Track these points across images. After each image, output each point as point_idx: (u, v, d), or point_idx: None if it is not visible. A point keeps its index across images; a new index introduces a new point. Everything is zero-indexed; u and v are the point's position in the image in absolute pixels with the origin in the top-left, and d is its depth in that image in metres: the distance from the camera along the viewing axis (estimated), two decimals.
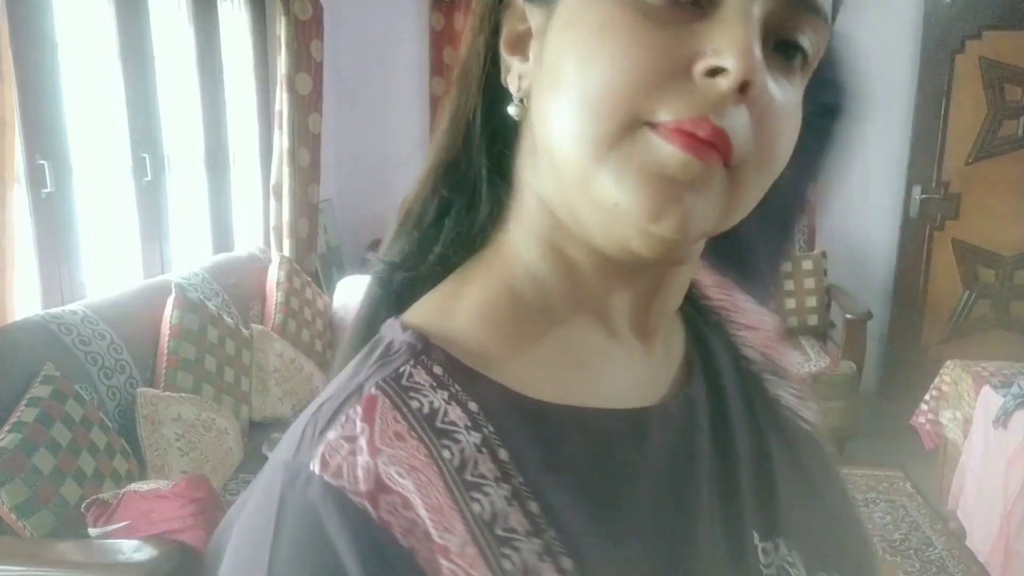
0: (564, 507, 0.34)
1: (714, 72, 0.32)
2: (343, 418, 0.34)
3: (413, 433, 0.34)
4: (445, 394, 0.35)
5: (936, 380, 2.70)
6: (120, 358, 2.02)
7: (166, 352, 2.14)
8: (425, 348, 0.37)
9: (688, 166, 0.32)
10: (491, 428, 0.35)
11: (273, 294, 2.79)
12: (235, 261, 2.81)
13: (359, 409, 0.34)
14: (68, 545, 1.53)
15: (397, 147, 3.66)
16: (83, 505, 1.59)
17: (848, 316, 3.11)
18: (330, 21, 3.34)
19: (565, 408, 0.37)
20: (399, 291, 0.43)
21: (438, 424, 0.34)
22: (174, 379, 2.11)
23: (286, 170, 3.11)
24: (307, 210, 3.23)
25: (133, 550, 1.47)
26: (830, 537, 0.44)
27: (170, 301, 2.21)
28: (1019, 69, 3.41)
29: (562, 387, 0.38)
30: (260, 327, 2.57)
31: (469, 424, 0.35)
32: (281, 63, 3.06)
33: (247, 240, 3.14)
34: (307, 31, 3.12)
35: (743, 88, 0.32)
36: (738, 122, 0.32)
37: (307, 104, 3.16)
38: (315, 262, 3.36)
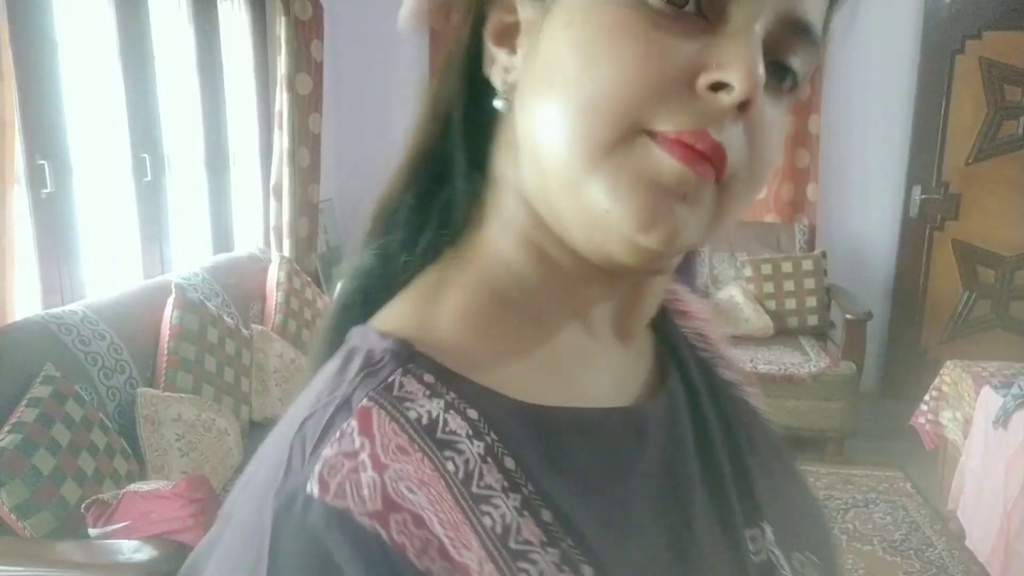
0: (577, 512, 0.33)
1: (718, 87, 0.32)
2: (337, 433, 0.31)
3: (415, 445, 0.31)
4: (441, 403, 0.33)
5: (936, 380, 2.70)
6: (120, 358, 2.02)
7: (166, 352, 2.14)
8: (411, 355, 0.34)
9: (684, 178, 0.32)
10: (494, 436, 0.33)
11: (273, 294, 2.79)
12: (235, 261, 2.81)
13: (354, 423, 0.31)
14: (68, 545, 1.53)
15: (397, 147, 3.65)
16: (83, 505, 1.59)
17: (848, 316, 3.11)
18: (330, 21, 3.34)
19: (564, 410, 0.37)
20: (371, 295, 0.41)
21: (439, 435, 0.32)
22: (174, 379, 2.11)
23: (286, 170, 3.11)
24: (307, 210, 3.23)
25: (133, 550, 1.47)
26: (797, 518, 0.45)
27: (170, 301, 2.21)
28: (1019, 69, 3.41)
29: (551, 389, 0.37)
30: (260, 327, 2.57)
31: (471, 433, 0.33)
32: (281, 63, 3.06)
33: (247, 240, 3.14)
34: (307, 31, 3.12)
35: (743, 106, 0.32)
36: (734, 138, 0.33)
37: (307, 104, 3.16)
38: (315, 262, 3.36)
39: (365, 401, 0.32)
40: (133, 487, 1.64)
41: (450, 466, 0.31)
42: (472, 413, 0.33)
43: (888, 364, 3.75)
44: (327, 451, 0.30)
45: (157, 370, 2.13)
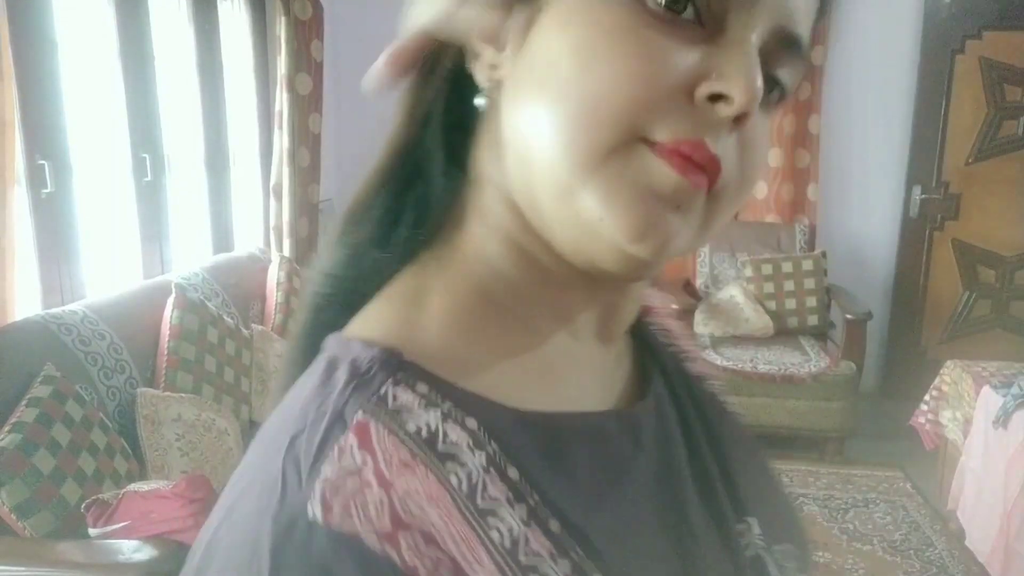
0: (583, 520, 0.33)
1: (716, 98, 0.31)
2: (335, 450, 0.29)
3: (418, 459, 0.30)
4: (438, 413, 0.31)
5: (936, 380, 2.70)
6: (120, 358, 2.02)
7: (166, 352, 2.14)
8: (400, 364, 0.32)
9: (679, 188, 0.32)
10: (495, 445, 0.32)
11: (273, 294, 2.79)
12: (235, 261, 2.81)
13: (352, 438, 0.29)
14: (68, 545, 1.53)
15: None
16: (83, 505, 1.59)
17: (848, 316, 3.11)
18: (330, 21, 3.34)
19: (561, 416, 0.36)
20: (344, 298, 0.39)
21: (439, 447, 0.31)
22: (174, 379, 2.11)
23: (286, 170, 3.11)
24: (307, 210, 3.23)
25: (133, 550, 1.47)
26: (774, 509, 0.45)
27: (170, 301, 2.21)
28: (1019, 69, 3.41)
29: (542, 394, 0.37)
30: (260, 327, 2.57)
31: (472, 443, 0.31)
32: (281, 63, 3.06)
33: (247, 240, 3.14)
34: (307, 31, 3.12)
35: (740, 118, 0.32)
36: (728, 150, 0.33)
37: (307, 104, 3.16)
38: None
39: (360, 414, 0.30)
40: (133, 487, 1.64)
41: (453, 479, 0.30)
42: (471, 423, 0.32)
43: (888, 364, 3.75)
44: (327, 470, 0.28)
45: (157, 370, 2.13)
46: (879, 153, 3.63)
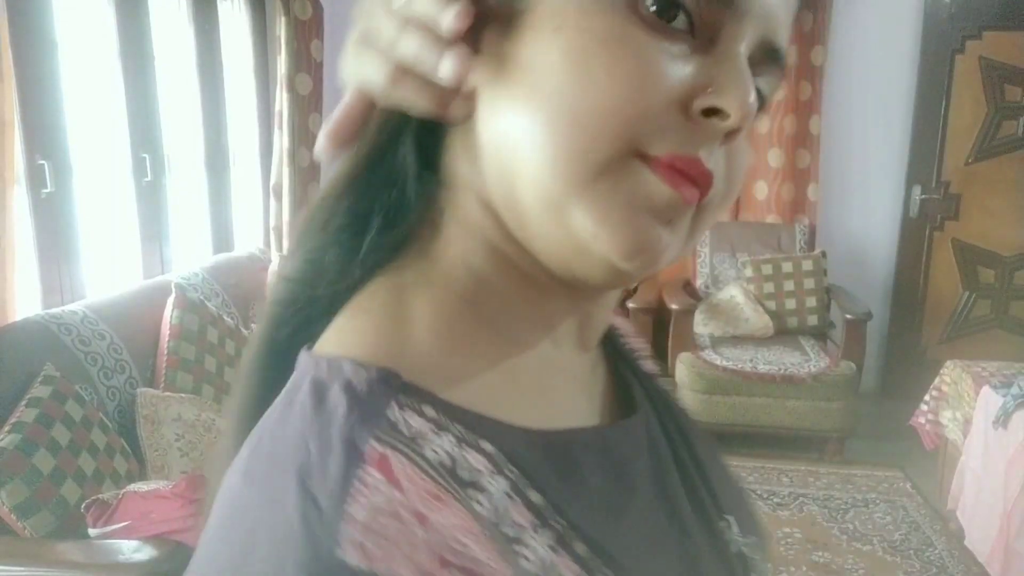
0: (606, 539, 0.32)
1: (712, 112, 0.31)
2: (358, 487, 0.26)
3: (443, 490, 0.27)
4: (451, 438, 0.29)
5: (936, 380, 2.70)
6: (120, 358, 2.02)
7: (166, 352, 2.14)
8: (402, 386, 0.30)
9: (673, 204, 0.32)
10: (514, 469, 0.30)
11: None
12: (235, 261, 2.81)
13: (375, 472, 0.27)
14: (68, 545, 1.53)
15: None
16: (83, 505, 1.59)
17: (848, 316, 3.11)
18: (330, 21, 3.34)
19: (568, 432, 0.35)
20: (304, 312, 0.36)
21: (461, 475, 0.28)
22: (174, 379, 2.11)
23: (286, 170, 3.11)
24: None
25: (133, 550, 1.47)
26: (740, 502, 0.45)
27: (170, 301, 2.21)
28: (1019, 69, 3.41)
29: (540, 408, 0.35)
30: None
31: (492, 469, 0.29)
32: (281, 63, 3.06)
33: (247, 240, 3.14)
34: (307, 31, 3.12)
35: (732, 132, 0.32)
36: (719, 164, 0.33)
37: (307, 104, 3.16)
38: None
39: (376, 444, 0.27)
40: (133, 487, 1.64)
41: (478, 508, 0.28)
42: (486, 446, 0.30)
43: (888, 364, 3.75)
44: (355, 510, 0.26)
45: (157, 370, 2.13)
46: (879, 153, 3.63)
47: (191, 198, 2.81)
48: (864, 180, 3.67)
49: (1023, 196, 3.51)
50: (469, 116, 0.34)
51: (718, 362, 3.05)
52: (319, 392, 0.30)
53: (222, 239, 2.99)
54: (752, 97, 0.31)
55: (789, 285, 3.33)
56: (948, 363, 2.69)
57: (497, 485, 0.29)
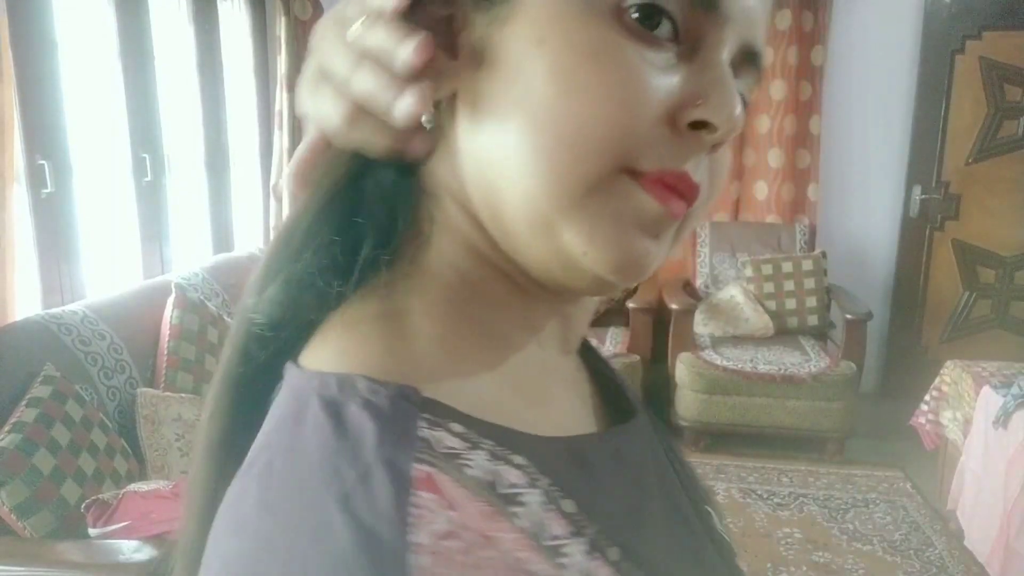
0: (639, 542, 0.32)
1: (700, 125, 0.31)
2: (415, 512, 0.25)
3: (491, 507, 0.27)
4: (484, 454, 0.29)
5: (936, 380, 2.70)
6: (120, 358, 2.02)
7: (166, 352, 2.14)
8: (424, 403, 0.29)
9: (662, 219, 0.32)
10: (546, 480, 0.30)
11: None
12: (235, 261, 2.81)
13: (427, 496, 0.26)
14: (68, 545, 1.53)
15: None
16: (83, 505, 1.59)
17: (848, 316, 3.11)
18: None
19: (582, 439, 0.35)
20: (289, 333, 0.33)
21: (500, 491, 0.28)
22: (174, 379, 2.11)
23: (286, 170, 3.11)
24: None
25: (133, 550, 1.47)
26: (706, 490, 0.46)
27: (170, 301, 2.21)
28: (1019, 69, 3.41)
29: (544, 415, 0.35)
30: None
31: (526, 482, 0.29)
32: (281, 63, 3.06)
33: (247, 240, 3.14)
34: (307, 31, 3.12)
35: (718, 144, 0.32)
36: (704, 176, 0.33)
37: None
38: None
39: (420, 466, 0.26)
40: (133, 487, 1.64)
41: (519, 523, 0.27)
42: (518, 459, 0.29)
43: (888, 364, 3.75)
44: (420, 538, 0.25)
45: (157, 370, 2.13)
46: (879, 153, 3.63)
47: (191, 198, 2.81)
48: (864, 180, 3.67)
49: (1023, 196, 3.51)
50: (432, 153, 0.33)
51: (718, 362, 3.05)
52: (334, 412, 0.28)
53: (222, 239, 2.99)
54: (739, 109, 0.31)
55: (789, 285, 3.33)
56: (948, 363, 2.69)
57: (533, 497, 0.29)
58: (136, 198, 2.46)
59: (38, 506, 1.56)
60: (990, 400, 2.30)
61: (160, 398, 2.02)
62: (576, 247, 0.31)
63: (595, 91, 0.29)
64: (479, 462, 0.28)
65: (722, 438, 3.17)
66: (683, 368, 3.05)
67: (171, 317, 2.18)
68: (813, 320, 3.35)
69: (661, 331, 3.21)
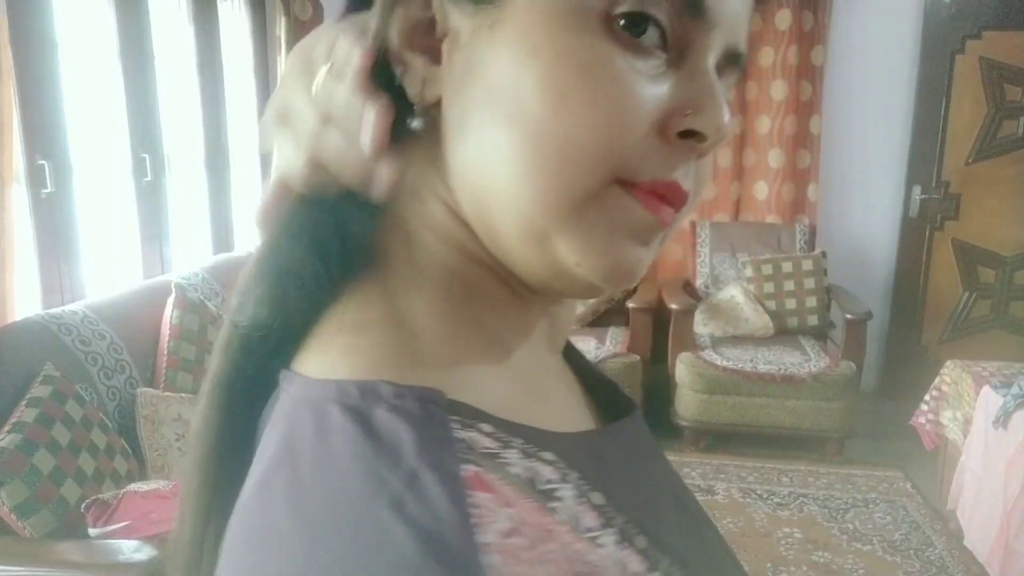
0: (662, 530, 0.33)
1: (688, 134, 0.31)
2: (475, 512, 0.25)
3: (537, 504, 0.28)
4: (517, 452, 0.29)
5: (936, 380, 2.70)
6: (120, 358, 2.02)
7: (166, 352, 2.14)
8: (451, 405, 0.29)
9: (653, 227, 0.32)
10: (576, 474, 0.30)
11: None
12: (235, 261, 2.81)
13: (484, 496, 0.26)
14: (68, 545, 1.53)
15: None
16: (83, 505, 1.59)
17: (848, 316, 3.11)
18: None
19: (593, 435, 0.36)
20: (279, 338, 0.33)
21: (539, 487, 0.28)
22: (174, 379, 2.11)
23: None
24: None
25: (133, 550, 1.47)
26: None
27: (170, 301, 2.21)
28: (1019, 69, 3.41)
29: (549, 413, 0.35)
30: None
31: (559, 477, 0.30)
32: (281, 63, 3.06)
33: (247, 240, 3.14)
34: (307, 31, 3.10)
35: (704, 151, 0.32)
36: (691, 182, 0.33)
37: None
38: None
39: (468, 467, 0.26)
40: (133, 487, 1.64)
41: (559, 517, 0.28)
42: (548, 456, 0.30)
43: (888, 364, 3.75)
44: (488, 539, 0.24)
45: (157, 370, 2.13)
46: (879, 153, 3.63)
47: (191, 198, 2.81)
48: (864, 180, 3.67)
49: (1023, 196, 3.51)
50: (413, 161, 0.34)
51: (718, 362, 3.05)
52: (361, 419, 0.27)
53: (222, 239, 2.99)
54: (727, 116, 0.31)
55: (789, 285, 3.33)
56: (948, 363, 2.69)
57: (567, 492, 0.29)
58: (136, 198, 2.46)
59: (38, 506, 1.56)
60: (990, 400, 2.30)
61: (160, 398, 2.02)
62: (570, 258, 0.31)
63: (589, 109, 0.29)
64: (516, 460, 0.28)
65: (722, 438, 3.17)
66: (683, 368, 3.05)
67: (171, 317, 2.18)
68: (813, 320, 3.35)
69: (661, 331, 3.21)
